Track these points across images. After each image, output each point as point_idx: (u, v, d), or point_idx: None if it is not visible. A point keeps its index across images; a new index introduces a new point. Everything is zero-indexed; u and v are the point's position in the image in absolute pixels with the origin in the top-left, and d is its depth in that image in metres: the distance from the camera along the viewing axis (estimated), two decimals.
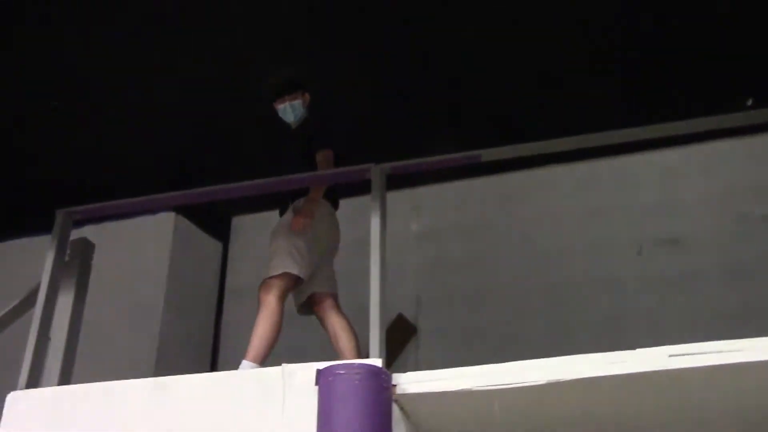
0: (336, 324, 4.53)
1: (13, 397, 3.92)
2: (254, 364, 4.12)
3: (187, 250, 6.40)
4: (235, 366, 4.12)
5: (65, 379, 4.33)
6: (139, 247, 6.23)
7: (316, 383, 3.45)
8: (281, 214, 4.84)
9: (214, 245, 6.68)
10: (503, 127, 5.48)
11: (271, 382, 3.54)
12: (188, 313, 6.25)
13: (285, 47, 5.31)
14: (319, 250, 4.65)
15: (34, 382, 4.15)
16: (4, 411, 3.86)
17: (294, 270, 4.47)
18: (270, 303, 4.44)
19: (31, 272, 6.13)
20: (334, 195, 4.87)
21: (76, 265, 4.63)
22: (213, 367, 6.12)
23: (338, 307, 4.64)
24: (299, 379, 3.50)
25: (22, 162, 5.97)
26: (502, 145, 4.22)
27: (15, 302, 4.76)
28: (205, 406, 3.62)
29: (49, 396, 3.88)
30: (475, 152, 4.18)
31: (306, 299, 4.66)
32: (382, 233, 3.99)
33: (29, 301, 4.76)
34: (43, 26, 5.11)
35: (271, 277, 4.49)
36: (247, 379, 3.61)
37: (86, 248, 4.75)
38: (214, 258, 6.63)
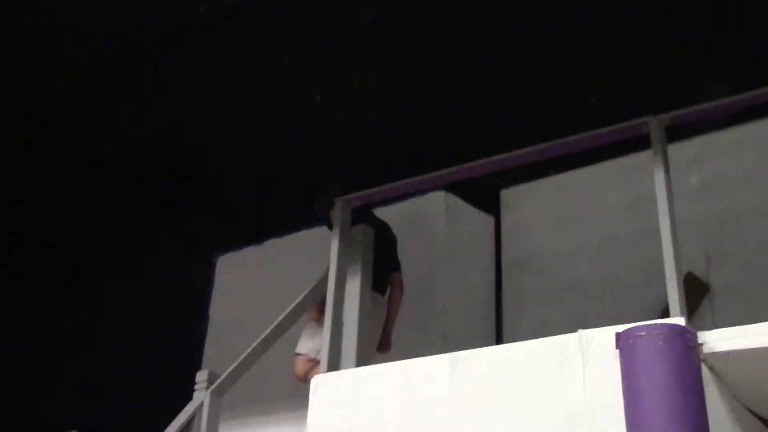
0: None
1: (316, 381, 4.07)
2: None
3: (459, 226, 6.41)
4: (519, 338, 4.06)
5: (362, 361, 4.47)
6: (413, 228, 6.30)
7: (617, 347, 3.31)
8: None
9: (485, 219, 6.64)
10: None
11: (569, 349, 3.44)
12: (468, 288, 6.26)
13: None
14: None
15: (334, 365, 4.30)
16: (312, 395, 4.01)
17: None
18: None
19: (315, 261, 6.44)
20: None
21: (359, 250, 4.76)
22: (498, 341, 6.10)
23: None
24: (598, 344, 3.38)
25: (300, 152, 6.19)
26: None
27: (306, 290, 4.97)
28: (503, 378, 3.57)
29: (351, 378, 3.98)
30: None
31: None
32: (668, 187, 3.79)
33: (319, 288, 4.96)
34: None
35: None
36: (544, 349, 3.52)
37: (367, 233, 4.88)
38: (486, 232, 6.59)
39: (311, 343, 5.20)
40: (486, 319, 6.28)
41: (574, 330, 3.51)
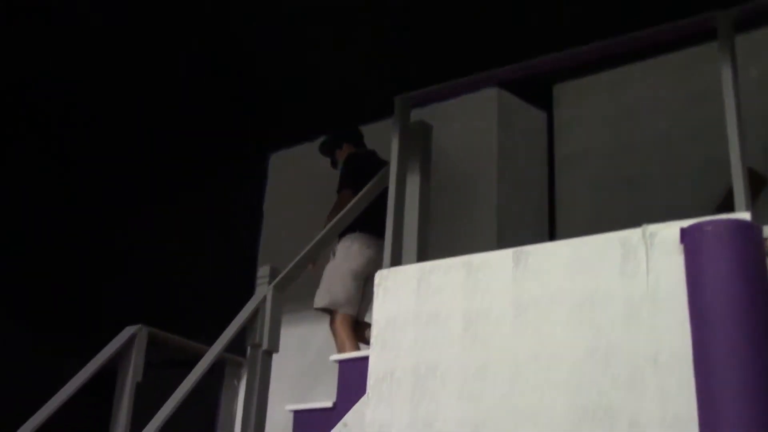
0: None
1: (380, 276, 4.16)
2: None
3: (512, 122, 6.41)
4: (573, 234, 4.08)
5: (422, 256, 4.55)
6: (466, 125, 6.32)
7: (681, 241, 3.35)
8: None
9: (538, 115, 6.63)
10: None
11: (633, 243, 3.48)
12: (522, 184, 6.30)
13: None
14: None
15: (396, 260, 4.39)
16: (376, 289, 4.11)
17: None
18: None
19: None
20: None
21: (418, 146, 4.80)
22: (551, 237, 6.16)
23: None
24: (662, 239, 3.41)
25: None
26: None
27: (367, 185, 5.04)
28: (566, 271, 3.63)
29: (415, 272, 4.06)
30: None
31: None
32: (734, 80, 3.78)
33: (379, 184, 5.03)
34: None
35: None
36: (607, 243, 3.56)
37: (425, 130, 4.91)
38: (539, 128, 6.59)
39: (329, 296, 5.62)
40: (539, 215, 6.33)
41: (628, 226, 3.55)
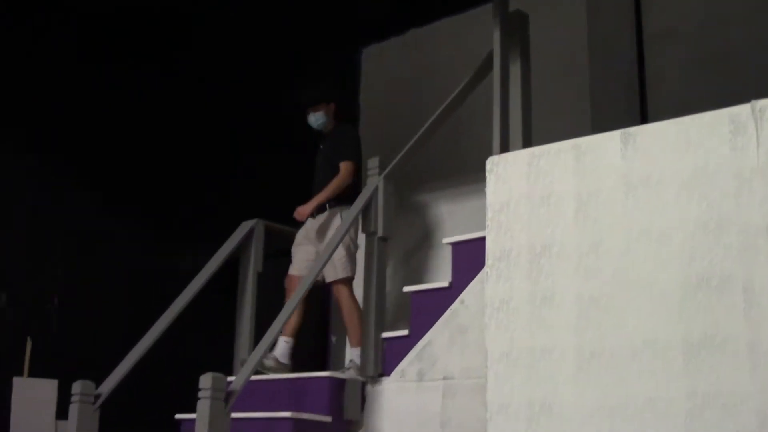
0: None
1: (491, 162, 4.36)
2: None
3: (600, 3, 6.42)
4: (664, 115, 4.19)
5: (527, 142, 4.74)
6: (557, 9, 6.35)
7: None
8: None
9: None
10: None
11: (742, 119, 3.61)
12: (612, 65, 6.35)
13: None
14: None
15: (505, 146, 4.59)
16: (489, 175, 4.32)
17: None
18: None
19: (456, 49, 6.61)
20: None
21: (517, 35, 4.94)
22: (643, 116, 6.25)
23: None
24: None
25: None
26: None
27: (469, 75, 5.21)
28: (674, 150, 3.78)
29: (525, 156, 4.24)
30: None
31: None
32: None
33: (481, 72, 5.19)
34: None
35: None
36: (716, 120, 3.70)
37: (523, 18, 5.03)
38: (628, 6, 6.59)
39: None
40: (630, 96, 6.40)
41: (720, 103, 3.68)
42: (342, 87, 6.12)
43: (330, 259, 5.13)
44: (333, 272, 5.55)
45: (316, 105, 5.96)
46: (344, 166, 5.75)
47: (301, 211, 5.74)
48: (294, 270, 5.77)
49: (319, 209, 5.73)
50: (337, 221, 5.65)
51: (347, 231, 5.16)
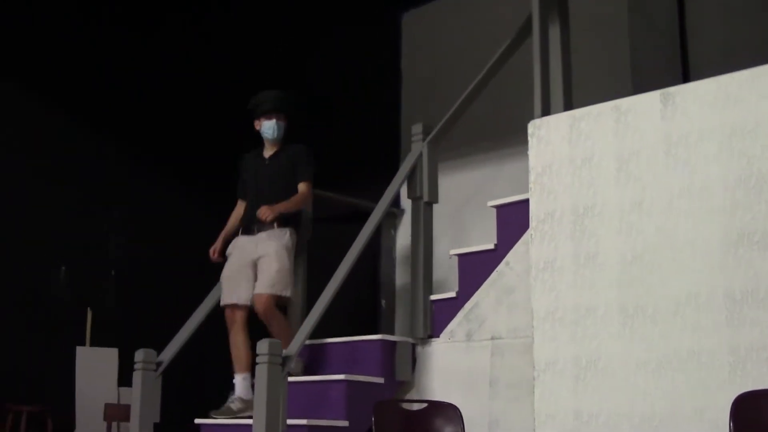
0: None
1: (533, 125, 4.43)
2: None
3: None
4: (707, 65, 4.19)
5: (568, 104, 4.79)
6: None
7: None
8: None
9: None
10: None
11: None
12: (652, 21, 6.33)
13: None
14: None
15: (546, 109, 4.65)
16: (531, 138, 4.39)
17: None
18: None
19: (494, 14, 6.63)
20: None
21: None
22: (685, 73, 6.24)
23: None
24: None
25: None
26: None
27: (509, 39, 5.25)
28: (713, 108, 3.82)
29: (566, 119, 4.31)
30: None
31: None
32: None
33: (521, 35, 5.23)
34: None
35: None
36: (755, 76, 3.73)
37: None
38: None
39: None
40: (671, 51, 6.38)
41: (764, 53, 3.68)
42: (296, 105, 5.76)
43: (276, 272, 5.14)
44: (270, 286, 5.21)
45: (280, 113, 5.54)
46: (306, 187, 5.44)
47: (266, 211, 5.24)
48: (233, 298, 5.28)
49: (275, 222, 5.32)
50: (287, 237, 5.33)
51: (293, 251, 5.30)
